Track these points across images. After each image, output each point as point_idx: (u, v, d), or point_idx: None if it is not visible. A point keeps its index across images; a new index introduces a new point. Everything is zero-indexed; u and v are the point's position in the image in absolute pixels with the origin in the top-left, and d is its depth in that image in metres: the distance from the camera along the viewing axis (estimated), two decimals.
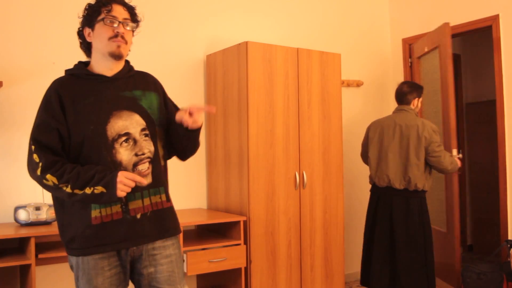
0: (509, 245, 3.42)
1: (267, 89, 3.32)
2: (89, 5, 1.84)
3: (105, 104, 1.77)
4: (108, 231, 1.73)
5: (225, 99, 3.46)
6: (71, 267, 1.82)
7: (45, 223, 2.83)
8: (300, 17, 4.22)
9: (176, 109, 1.99)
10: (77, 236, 1.74)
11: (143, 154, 1.78)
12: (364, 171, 4.10)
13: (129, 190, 1.69)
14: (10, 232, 2.63)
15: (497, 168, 3.93)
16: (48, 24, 3.16)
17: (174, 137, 1.92)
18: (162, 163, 1.90)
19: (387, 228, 3.39)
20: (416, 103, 3.49)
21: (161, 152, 1.89)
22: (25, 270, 2.73)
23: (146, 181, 1.77)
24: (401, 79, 4.63)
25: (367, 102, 4.58)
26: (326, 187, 3.58)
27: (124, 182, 1.66)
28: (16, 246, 2.89)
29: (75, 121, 1.72)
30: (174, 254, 1.87)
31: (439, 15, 4.30)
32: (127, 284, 1.83)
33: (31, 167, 1.71)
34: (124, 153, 1.75)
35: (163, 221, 1.84)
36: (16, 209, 2.81)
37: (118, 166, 1.73)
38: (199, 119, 1.82)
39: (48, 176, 1.67)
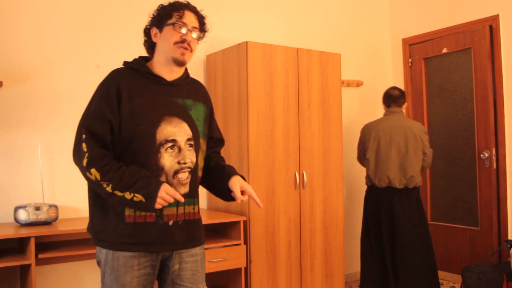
0: (509, 245, 3.42)
1: (267, 89, 3.32)
2: (162, 6, 1.83)
3: (158, 107, 1.76)
4: (139, 231, 1.73)
5: (225, 99, 3.46)
6: (98, 263, 1.81)
7: (45, 223, 2.83)
8: (300, 17, 4.22)
9: (218, 130, 2.03)
10: (107, 230, 1.73)
11: (185, 163, 1.78)
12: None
13: (166, 204, 1.69)
14: (10, 232, 2.63)
15: (497, 168, 3.93)
16: (48, 24, 3.16)
17: (209, 180, 1.95)
18: (200, 174, 1.91)
19: (390, 228, 3.47)
20: (404, 107, 3.74)
21: (201, 164, 1.89)
22: (25, 270, 2.73)
23: (184, 190, 1.78)
24: (401, 79, 4.63)
25: (367, 102, 4.58)
26: (326, 187, 3.58)
27: (164, 197, 1.66)
28: (16, 246, 2.89)
29: (128, 118, 1.71)
30: (200, 254, 1.88)
31: (439, 15, 4.30)
32: (153, 286, 1.83)
33: (78, 155, 1.69)
34: (167, 159, 1.75)
35: (193, 232, 1.85)
36: (16, 209, 2.80)
37: (160, 170, 1.73)
38: (245, 200, 1.87)
39: (93, 170, 1.65)
